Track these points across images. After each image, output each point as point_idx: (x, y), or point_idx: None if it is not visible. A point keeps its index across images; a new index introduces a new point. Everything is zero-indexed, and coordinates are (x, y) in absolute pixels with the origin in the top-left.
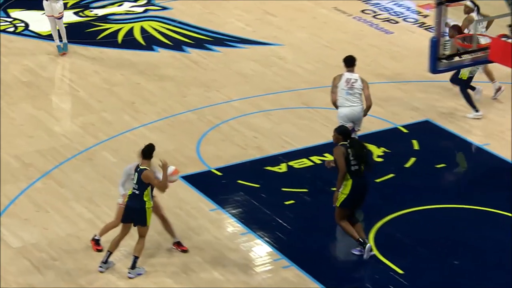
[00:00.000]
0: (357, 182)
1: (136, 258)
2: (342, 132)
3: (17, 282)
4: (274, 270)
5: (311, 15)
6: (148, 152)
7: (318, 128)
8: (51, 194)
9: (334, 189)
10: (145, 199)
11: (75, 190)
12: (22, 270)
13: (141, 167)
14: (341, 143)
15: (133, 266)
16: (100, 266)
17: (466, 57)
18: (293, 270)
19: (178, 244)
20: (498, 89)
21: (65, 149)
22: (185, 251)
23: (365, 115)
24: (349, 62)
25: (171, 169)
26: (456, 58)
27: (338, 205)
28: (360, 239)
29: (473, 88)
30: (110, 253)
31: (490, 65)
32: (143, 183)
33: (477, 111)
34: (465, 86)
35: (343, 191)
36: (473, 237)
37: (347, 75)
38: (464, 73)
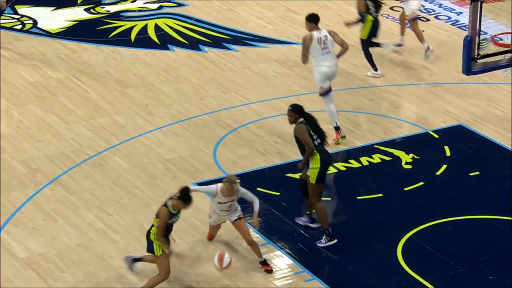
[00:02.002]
0: (324, 154)
1: None
2: (299, 110)
3: None
4: (296, 284)
5: (336, 13)
6: (184, 195)
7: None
8: (59, 202)
9: (360, 198)
10: (151, 238)
11: (85, 198)
12: (28, 282)
13: (168, 201)
14: (299, 121)
15: None
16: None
17: (503, 57)
18: (315, 284)
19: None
20: (427, 49)
21: (74, 154)
22: (269, 271)
23: (339, 56)
24: (315, 20)
25: (226, 261)
26: (492, 59)
27: (314, 182)
28: (329, 230)
29: (378, 45)
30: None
31: (418, 28)
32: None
33: (376, 70)
34: (366, 45)
35: (314, 165)
36: (509, 250)
37: (316, 34)
38: (364, 32)
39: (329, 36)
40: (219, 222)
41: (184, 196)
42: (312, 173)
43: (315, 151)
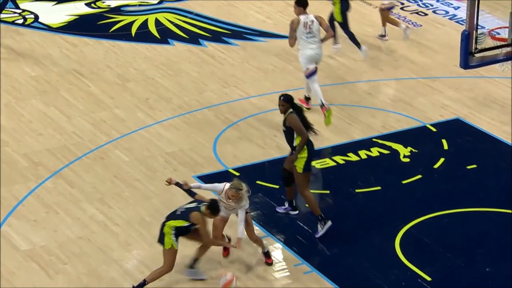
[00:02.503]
0: (310, 144)
1: (144, 280)
2: (290, 100)
3: (26, 286)
4: (295, 276)
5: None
6: (214, 207)
7: (341, 126)
8: (61, 195)
9: (359, 191)
10: (165, 230)
11: (86, 191)
12: (30, 274)
13: (201, 206)
14: (290, 111)
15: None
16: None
17: (500, 51)
18: (314, 276)
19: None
20: (406, 28)
21: (76, 148)
22: (269, 263)
23: (323, 41)
24: (303, 4)
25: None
26: (489, 53)
27: (302, 171)
28: (321, 215)
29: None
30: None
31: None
32: (184, 217)
33: (360, 47)
34: (345, 26)
35: (302, 155)
36: (506, 243)
37: (303, 18)
38: (337, 15)
39: (315, 21)
40: (225, 216)
41: (214, 208)
42: (300, 162)
43: None
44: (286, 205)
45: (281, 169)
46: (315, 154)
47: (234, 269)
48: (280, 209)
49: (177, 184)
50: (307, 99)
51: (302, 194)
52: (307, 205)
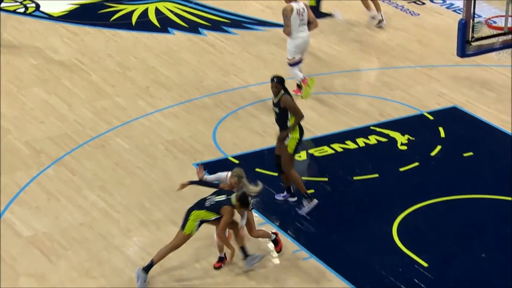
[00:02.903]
0: (300, 126)
1: (152, 261)
2: (282, 82)
3: (28, 272)
4: (293, 262)
5: None
6: (246, 201)
7: (339, 114)
8: (62, 182)
9: (357, 178)
10: (190, 218)
11: (87, 178)
12: (32, 260)
13: (232, 198)
14: (282, 92)
15: (145, 270)
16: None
17: (497, 40)
18: (313, 262)
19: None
20: (373, 17)
21: (77, 136)
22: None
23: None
24: None
25: None
26: (486, 41)
27: (292, 152)
28: (307, 193)
29: (329, 15)
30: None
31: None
32: (213, 210)
33: (332, 15)
34: (318, 11)
35: (294, 135)
36: (502, 229)
37: (295, 5)
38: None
39: (305, 9)
40: None
41: (244, 200)
42: (292, 143)
43: None
44: (285, 192)
45: (274, 156)
46: (303, 136)
47: (234, 258)
48: (278, 197)
49: (192, 183)
50: (300, 87)
51: (288, 172)
52: (293, 184)
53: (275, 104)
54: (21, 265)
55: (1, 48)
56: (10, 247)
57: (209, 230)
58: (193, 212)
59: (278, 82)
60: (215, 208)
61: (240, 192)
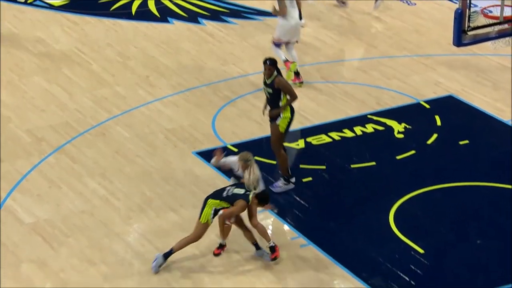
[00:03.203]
0: (292, 107)
1: (171, 249)
2: (275, 64)
3: (30, 258)
4: (291, 249)
5: None
6: (261, 198)
7: (337, 103)
8: (63, 170)
9: (354, 166)
10: (207, 205)
11: (88, 166)
12: (34, 247)
13: (250, 195)
14: (275, 73)
15: (165, 257)
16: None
17: (492, 29)
18: (311, 249)
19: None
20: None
21: (78, 124)
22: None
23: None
24: None
25: None
26: (482, 31)
27: (283, 131)
28: (288, 175)
29: None
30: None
31: None
32: (229, 201)
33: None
34: None
35: (286, 114)
36: (497, 216)
37: None
38: None
39: None
40: None
41: (264, 199)
42: (283, 122)
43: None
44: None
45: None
46: (294, 115)
47: (230, 240)
48: (276, 188)
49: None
50: (286, 60)
51: (276, 152)
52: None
53: (268, 85)
54: (23, 252)
55: (2, 38)
56: (12, 234)
57: None
58: (208, 201)
59: (271, 64)
60: (231, 199)
61: (261, 192)
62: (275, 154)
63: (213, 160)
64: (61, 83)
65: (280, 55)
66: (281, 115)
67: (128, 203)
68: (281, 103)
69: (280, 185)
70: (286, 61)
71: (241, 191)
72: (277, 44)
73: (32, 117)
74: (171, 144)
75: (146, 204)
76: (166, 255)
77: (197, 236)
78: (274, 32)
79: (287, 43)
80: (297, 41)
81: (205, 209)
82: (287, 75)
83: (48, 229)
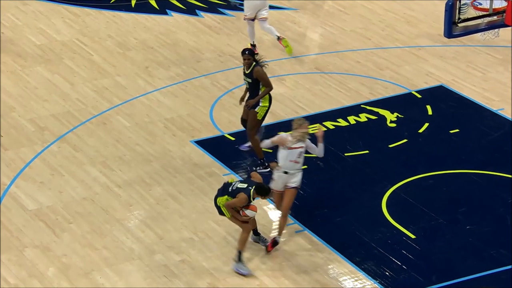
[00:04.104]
0: (270, 96)
1: (238, 251)
2: (253, 54)
3: (33, 243)
4: (287, 235)
5: None
6: (259, 191)
7: (331, 93)
8: (66, 158)
9: (348, 154)
10: (218, 204)
11: (89, 154)
12: (38, 232)
13: (252, 189)
14: (254, 64)
15: (238, 259)
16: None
17: (482, 21)
18: (306, 235)
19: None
20: None
21: (79, 113)
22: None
23: None
24: None
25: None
26: (472, 22)
27: (261, 118)
28: (263, 159)
29: None
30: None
31: None
32: (233, 195)
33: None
34: None
35: (264, 103)
36: (487, 203)
37: None
38: None
39: None
40: (283, 185)
41: (262, 190)
42: (262, 110)
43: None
44: (248, 144)
45: (240, 120)
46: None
47: (227, 226)
48: (243, 148)
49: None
50: (254, 45)
51: (250, 136)
52: (252, 147)
53: (247, 75)
54: (27, 237)
55: (5, 29)
56: (16, 219)
57: (206, 203)
58: (218, 200)
59: (250, 54)
60: (235, 193)
61: (258, 185)
62: (249, 138)
63: (273, 164)
64: (63, 74)
65: (271, 31)
66: (260, 103)
67: (128, 190)
68: (260, 93)
69: (257, 169)
70: (278, 38)
71: (244, 185)
72: (250, 20)
73: (35, 107)
74: (170, 133)
75: (146, 191)
76: (238, 258)
77: (246, 227)
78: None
79: (258, 19)
80: (265, 17)
81: (221, 208)
82: (287, 50)
83: (51, 215)
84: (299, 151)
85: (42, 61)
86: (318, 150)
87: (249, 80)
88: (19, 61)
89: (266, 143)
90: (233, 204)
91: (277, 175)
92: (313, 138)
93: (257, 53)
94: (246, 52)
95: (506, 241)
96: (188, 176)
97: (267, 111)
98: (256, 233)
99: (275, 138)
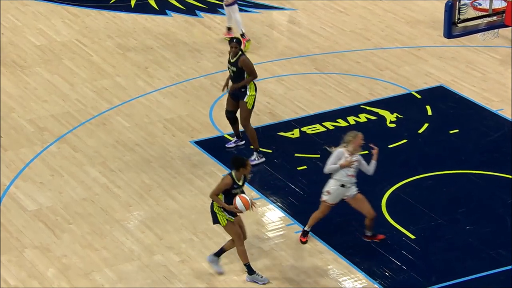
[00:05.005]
0: (255, 84)
1: (245, 265)
2: (240, 43)
3: (33, 244)
4: (287, 235)
5: None
6: (233, 163)
7: (331, 93)
8: (65, 158)
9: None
10: (215, 209)
11: (89, 155)
12: (37, 233)
13: (232, 172)
14: (240, 53)
15: (250, 272)
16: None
17: (482, 21)
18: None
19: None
20: None
21: (79, 114)
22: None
23: None
24: None
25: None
26: (471, 23)
27: (250, 107)
28: (258, 149)
29: None
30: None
31: None
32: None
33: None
34: None
35: (252, 93)
36: (487, 203)
37: None
38: None
39: None
40: (339, 199)
41: (234, 162)
42: (250, 99)
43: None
44: (234, 138)
45: (225, 112)
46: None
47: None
48: (229, 144)
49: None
50: (243, 35)
51: (246, 127)
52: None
53: (232, 64)
54: (27, 238)
55: (5, 30)
56: (15, 220)
57: (205, 204)
58: (213, 203)
59: (237, 43)
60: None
61: (232, 159)
62: (245, 130)
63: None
64: (63, 74)
65: (238, 24)
66: (248, 93)
67: (128, 191)
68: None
69: (255, 159)
70: (242, 35)
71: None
72: (230, 4)
73: (34, 107)
74: (170, 133)
75: (145, 192)
76: (249, 270)
77: (238, 237)
78: None
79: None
80: (236, 2)
81: (217, 215)
82: (244, 48)
83: (51, 216)
84: (355, 165)
85: (41, 62)
86: (370, 167)
87: (234, 69)
88: (19, 62)
89: (334, 168)
90: (218, 189)
91: (333, 188)
92: (308, 140)
93: (249, 40)
94: (234, 41)
95: (506, 241)
96: (187, 177)
97: (255, 99)
98: (219, 254)
99: (342, 162)
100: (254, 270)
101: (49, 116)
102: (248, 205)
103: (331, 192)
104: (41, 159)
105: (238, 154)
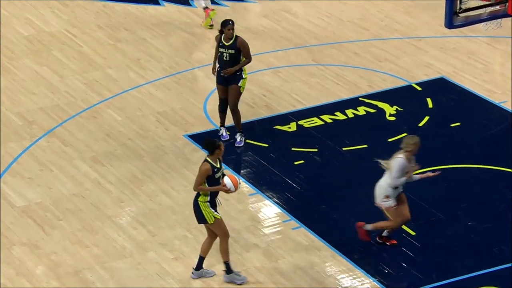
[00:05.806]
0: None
1: (225, 263)
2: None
3: (22, 241)
4: (283, 232)
5: None
6: (207, 147)
7: (329, 86)
8: (55, 153)
9: (346, 149)
10: (201, 207)
11: (79, 149)
12: (26, 229)
13: (206, 157)
14: (236, 34)
15: (228, 271)
16: (192, 273)
17: (484, 11)
18: (302, 231)
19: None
20: None
21: (69, 107)
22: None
23: None
24: None
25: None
26: (473, 12)
27: (243, 91)
28: (241, 130)
29: None
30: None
31: None
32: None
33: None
34: None
35: (245, 75)
36: (488, 198)
37: None
38: None
39: None
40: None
41: (206, 145)
42: (243, 83)
43: None
44: (224, 128)
45: (219, 101)
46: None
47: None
48: (225, 138)
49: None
50: (205, 8)
51: (235, 110)
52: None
53: (229, 47)
54: (15, 235)
55: None
56: (3, 217)
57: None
58: (198, 200)
59: (233, 24)
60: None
61: (204, 143)
62: (234, 112)
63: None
64: (52, 66)
65: (200, 4)
66: (243, 76)
67: (120, 186)
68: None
69: (240, 140)
70: (205, 8)
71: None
72: None
73: (22, 100)
74: (163, 127)
75: (137, 187)
76: (228, 270)
77: (224, 234)
78: None
79: None
80: None
81: (203, 213)
82: (205, 21)
83: (40, 212)
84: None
85: (30, 53)
86: (415, 176)
87: (232, 52)
88: (6, 53)
89: (402, 181)
90: (201, 178)
91: (389, 190)
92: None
93: (214, 10)
94: (230, 22)
95: (507, 238)
96: (181, 172)
97: (246, 82)
98: (200, 264)
99: (409, 174)
100: (233, 270)
101: (38, 109)
102: (237, 183)
103: (390, 195)
104: (30, 153)
105: (209, 137)
